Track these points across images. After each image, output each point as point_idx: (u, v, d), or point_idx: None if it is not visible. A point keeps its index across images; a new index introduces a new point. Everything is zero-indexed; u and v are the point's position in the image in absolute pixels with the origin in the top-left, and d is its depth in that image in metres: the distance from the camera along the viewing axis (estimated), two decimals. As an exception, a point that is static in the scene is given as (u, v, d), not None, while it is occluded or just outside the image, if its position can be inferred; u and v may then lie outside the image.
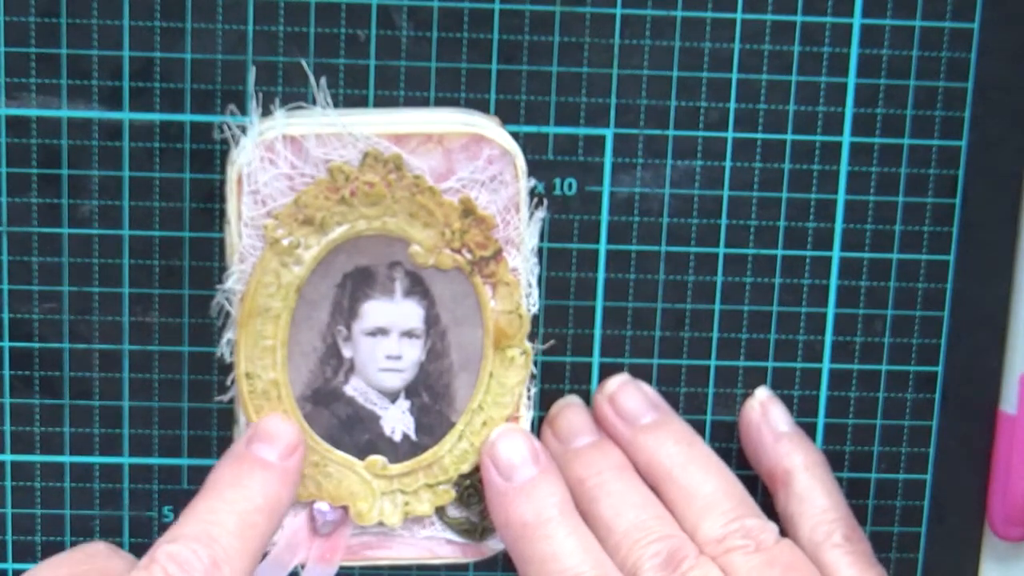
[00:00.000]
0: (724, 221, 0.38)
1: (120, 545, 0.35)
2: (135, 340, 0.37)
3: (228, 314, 0.34)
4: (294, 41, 0.36)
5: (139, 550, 0.38)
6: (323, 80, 0.33)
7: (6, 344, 0.37)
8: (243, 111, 0.35)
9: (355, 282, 0.34)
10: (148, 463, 0.38)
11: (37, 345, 0.37)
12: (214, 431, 0.37)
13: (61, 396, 0.37)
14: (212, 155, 0.36)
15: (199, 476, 0.37)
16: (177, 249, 0.37)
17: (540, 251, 0.35)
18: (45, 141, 0.36)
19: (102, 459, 0.38)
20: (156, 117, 0.36)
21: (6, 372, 0.37)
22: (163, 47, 0.36)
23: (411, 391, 0.34)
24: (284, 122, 0.33)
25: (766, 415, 0.37)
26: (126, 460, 0.38)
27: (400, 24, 0.36)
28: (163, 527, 0.38)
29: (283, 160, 0.32)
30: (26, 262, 0.37)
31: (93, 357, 0.37)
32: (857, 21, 0.37)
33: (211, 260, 0.37)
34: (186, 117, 0.36)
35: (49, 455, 0.38)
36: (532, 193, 0.34)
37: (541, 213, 0.34)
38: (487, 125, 0.33)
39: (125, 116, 0.36)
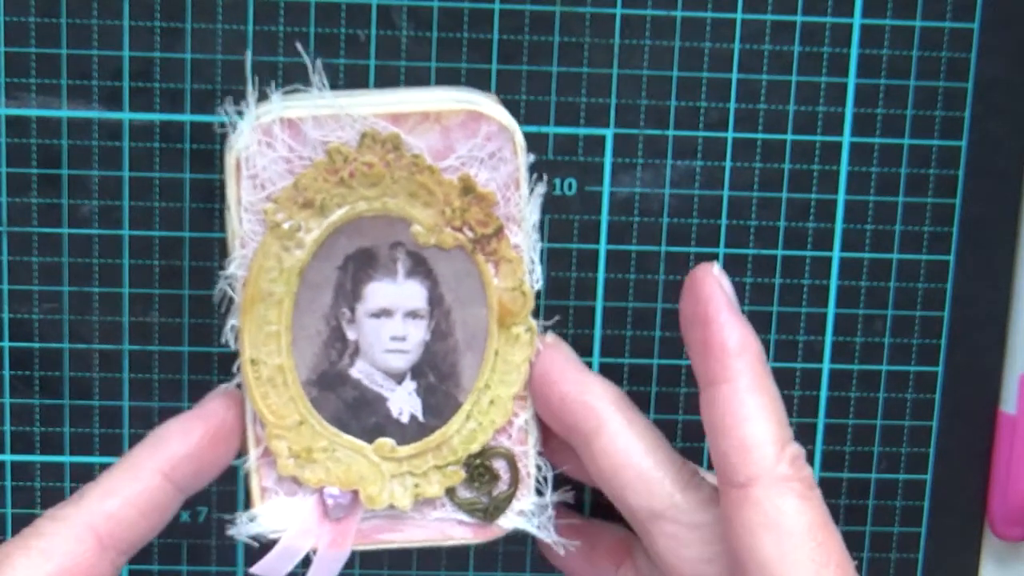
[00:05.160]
0: (724, 221, 0.38)
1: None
2: (135, 340, 0.37)
3: (231, 300, 0.33)
4: (294, 41, 0.36)
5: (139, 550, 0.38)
6: (319, 62, 0.33)
7: (6, 344, 0.37)
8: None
9: (357, 264, 0.34)
10: (148, 463, 0.38)
11: (37, 345, 0.37)
12: (214, 431, 0.37)
13: (61, 396, 0.37)
14: (212, 155, 0.36)
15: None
16: (177, 249, 0.37)
17: (541, 250, 0.35)
18: (45, 141, 0.36)
19: (102, 459, 0.37)
20: (156, 117, 0.36)
21: (6, 372, 0.37)
22: (163, 47, 0.36)
23: (417, 372, 0.34)
24: (281, 105, 0.32)
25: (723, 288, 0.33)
26: (126, 460, 0.38)
27: (400, 24, 0.36)
28: (163, 527, 0.38)
29: (281, 143, 0.32)
30: (26, 262, 0.37)
31: (93, 357, 0.37)
32: (857, 21, 0.37)
33: (211, 260, 0.37)
34: (186, 117, 0.36)
35: (49, 455, 0.38)
36: (531, 169, 0.34)
37: (542, 189, 0.34)
38: (484, 102, 0.33)
39: (125, 116, 0.36)
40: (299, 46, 0.35)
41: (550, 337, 0.35)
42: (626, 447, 0.33)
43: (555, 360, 0.34)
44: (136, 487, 0.32)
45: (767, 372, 0.32)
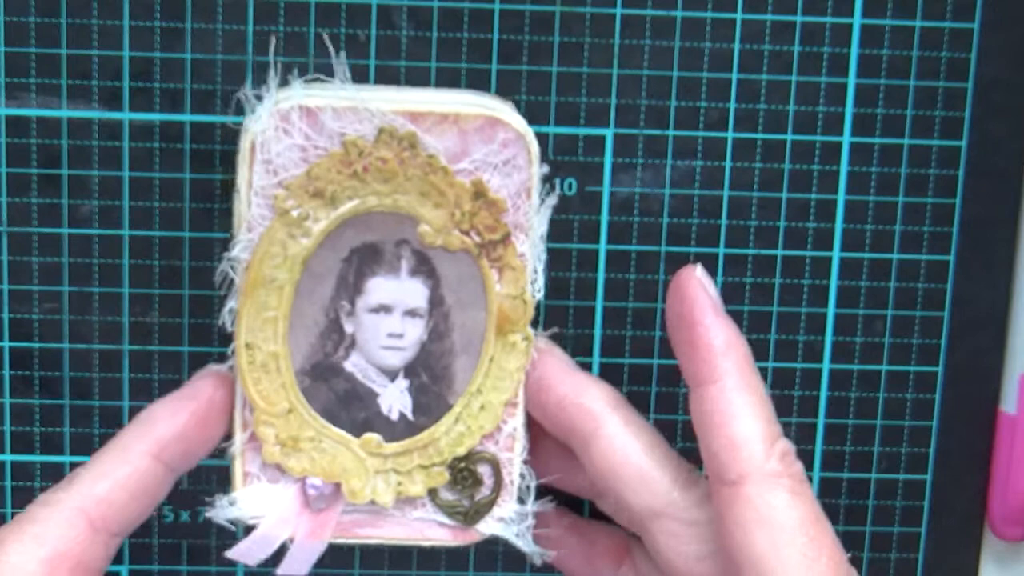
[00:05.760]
0: (724, 221, 0.38)
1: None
2: (135, 340, 0.37)
3: (232, 283, 0.33)
4: (294, 41, 0.36)
5: (139, 549, 0.38)
6: (343, 54, 0.33)
7: (6, 344, 0.37)
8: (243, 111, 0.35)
9: (361, 258, 0.34)
10: (148, 463, 0.38)
11: (37, 345, 0.37)
12: (214, 431, 0.37)
13: (61, 396, 0.37)
14: (212, 155, 0.36)
15: (198, 477, 0.38)
16: (177, 249, 0.37)
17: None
18: (45, 141, 0.36)
19: (102, 459, 0.37)
20: (156, 117, 0.36)
21: (6, 372, 0.37)
22: (163, 47, 0.36)
23: (410, 370, 0.34)
24: (301, 93, 0.33)
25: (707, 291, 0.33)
26: (126, 460, 0.38)
27: (400, 24, 0.36)
28: (163, 526, 0.38)
29: (297, 131, 0.32)
30: (26, 262, 0.37)
31: (93, 357, 0.37)
32: (857, 21, 0.37)
33: (211, 260, 0.37)
34: (186, 117, 0.36)
35: (49, 455, 0.38)
36: (544, 180, 0.34)
37: (552, 200, 0.34)
38: (503, 108, 0.33)
39: (125, 116, 0.36)
40: (326, 38, 0.35)
41: (543, 342, 0.35)
42: (624, 447, 0.33)
43: (550, 364, 0.35)
44: (126, 469, 0.32)
45: (754, 371, 0.32)
